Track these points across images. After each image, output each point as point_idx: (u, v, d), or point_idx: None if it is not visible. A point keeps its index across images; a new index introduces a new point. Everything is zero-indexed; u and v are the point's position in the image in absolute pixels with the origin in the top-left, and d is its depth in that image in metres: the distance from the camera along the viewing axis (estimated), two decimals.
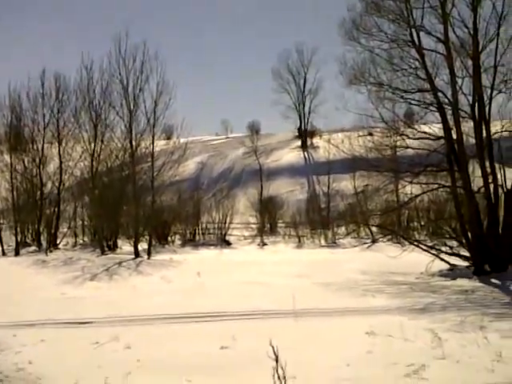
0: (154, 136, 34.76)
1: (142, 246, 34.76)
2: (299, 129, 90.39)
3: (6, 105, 40.98)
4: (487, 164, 23.10)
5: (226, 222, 46.94)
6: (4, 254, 37.99)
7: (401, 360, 9.99)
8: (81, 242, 42.35)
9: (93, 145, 38.86)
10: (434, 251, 24.41)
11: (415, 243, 25.79)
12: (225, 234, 46.54)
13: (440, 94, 23.87)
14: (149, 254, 33.34)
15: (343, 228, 43.04)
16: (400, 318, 13.72)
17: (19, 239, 39.52)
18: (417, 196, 26.37)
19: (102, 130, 38.86)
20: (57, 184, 41.80)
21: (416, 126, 25.14)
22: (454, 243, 24.89)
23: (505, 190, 23.05)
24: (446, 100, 23.75)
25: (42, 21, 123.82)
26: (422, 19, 23.80)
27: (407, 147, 25.06)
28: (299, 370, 9.16)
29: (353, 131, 28.28)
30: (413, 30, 23.86)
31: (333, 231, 44.51)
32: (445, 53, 23.46)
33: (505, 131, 23.29)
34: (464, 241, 24.00)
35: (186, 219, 46.69)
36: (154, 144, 34.87)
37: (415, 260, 23.90)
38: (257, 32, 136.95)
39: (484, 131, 23.20)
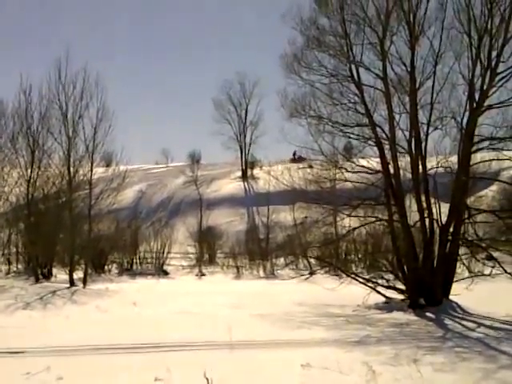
0: (93, 163, 34.23)
1: (78, 274, 34.05)
2: (240, 159, 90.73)
3: None
4: (423, 199, 23.52)
5: (164, 252, 46.55)
6: None
7: None
8: (14, 269, 41.22)
9: (29, 171, 37.97)
10: (370, 284, 24.62)
11: (352, 276, 25.97)
12: (162, 264, 46.11)
13: (378, 129, 24.30)
14: (84, 282, 32.68)
15: (282, 259, 43.14)
16: (336, 351, 13.75)
17: None
18: (354, 229, 26.62)
19: (39, 156, 37.99)
20: None
21: (355, 160, 25.46)
22: (391, 276, 25.15)
23: (440, 224, 23.46)
24: (384, 135, 24.18)
25: None
26: (362, 55, 24.31)
27: (346, 180, 25.35)
28: None
29: (292, 163, 28.47)
30: (352, 65, 24.30)
31: (271, 262, 44.55)
32: (383, 89, 23.93)
33: (440, 167, 23.75)
34: (400, 274, 24.30)
35: (123, 248, 46.11)
36: (93, 171, 34.35)
37: (352, 292, 24.07)
38: (198, 61, 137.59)
39: (420, 166, 23.65)
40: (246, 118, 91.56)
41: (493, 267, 24.46)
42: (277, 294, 27.67)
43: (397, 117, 24.13)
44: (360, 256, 34.39)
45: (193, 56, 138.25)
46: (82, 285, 32.22)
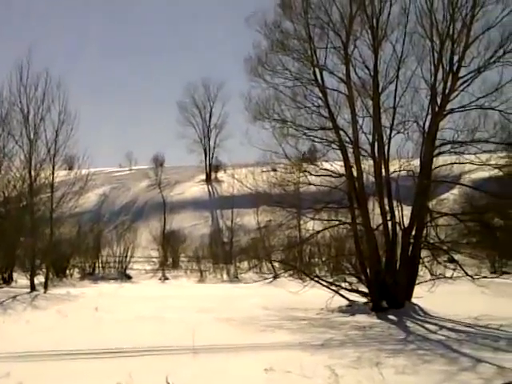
0: (55, 166, 33.88)
1: (39, 279, 33.64)
2: (204, 162, 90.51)
3: None
4: (386, 202, 23.68)
5: (127, 256, 46.19)
6: None
7: None
8: None
9: None
10: (333, 287, 24.68)
11: (316, 279, 25.98)
12: (125, 268, 45.74)
13: (342, 133, 24.40)
14: (45, 287, 32.29)
15: (246, 263, 43.07)
16: (299, 354, 13.73)
17: None
18: (318, 232, 26.66)
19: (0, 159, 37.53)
20: None
21: (318, 163, 25.55)
22: (354, 279, 25.25)
23: (402, 227, 23.63)
24: (348, 138, 24.28)
25: None
26: (326, 59, 24.42)
27: (310, 184, 25.38)
28: None
29: (257, 166, 28.44)
30: (316, 69, 24.37)
31: (235, 266, 44.49)
32: (347, 92, 24.04)
33: (402, 170, 23.95)
34: (363, 277, 24.40)
35: (85, 252, 45.63)
36: (54, 174, 33.99)
37: (316, 296, 24.10)
38: (163, 64, 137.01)
39: (383, 170, 23.81)
40: (210, 121, 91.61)
41: (454, 270, 24.76)
42: (240, 298, 27.61)
43: (360, 120, 24.30)
44: (323, 259, 34.41)
45: (158, 59, 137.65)
46: (43, 289, 31.82)
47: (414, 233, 23.60)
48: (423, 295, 23.38)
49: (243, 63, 25.53)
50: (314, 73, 24.44)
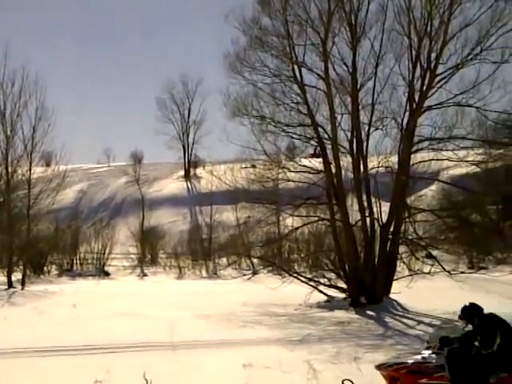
0: (32, 163, 33.72)
1: (16, 276, 33.39)
2: (183, 159, 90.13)
3: None
4: (364, 198, 23.80)
5: (105, 252, 45.98)
6: None
7: None
8: None
9: None
10: (312, 283, 24.76)
11: (295, 275, 26.04)
12: (103, 265, 45.53)
13: (320, 129, 24.49)
14: (23, 284, 32.12)
15: (225, 259, 43.01)
16: (278, 350, 13.77)
17: None
18: (297, 228, 26.74)
19: None
20: None
21: (297, 160, 25.59)
22: (332, 275, 25.36)
23: (380, 223, 23.75)
24: (326, 135, 24.37)
25: None
26: (304, 56, 24.52)
27: (288, 180, 25.44)
28: None
29: (236, 163, 28.45)
30: (295, 66, 24.43)
31: (214, 262, 44.46)
32: (325, 89, 24.11)
33: (381, 167, 24.06)
34: (341, 273, 24.52)
35: (63, 249, 45.41)
36: (32, 171, 33.81)
37: (294, 291, 24.17)
38: (142, 59, 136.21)
39: (361, 166, 23.91)
40: (189, 118, 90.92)
41: (432, 265, 24.93)
42: (220, 294, 27.62)
43: (338, 117, 24.44)
44: (302, 255, 34.51)
45: (137, 54, 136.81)
46: (20, 286, 31.62)
47: (392, 229, 23.74)
48: (401, 291, 23.53)
49: (222, 59, 25.56)
50: (293, 70, 24.51)
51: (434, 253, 25.51)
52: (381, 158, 24.24)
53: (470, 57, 22.45)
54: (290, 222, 27.03)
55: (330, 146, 24.38)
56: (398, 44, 23.65)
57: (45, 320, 19.85)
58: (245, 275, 34.31)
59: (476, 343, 8.52)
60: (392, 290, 23.79)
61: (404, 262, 25.48)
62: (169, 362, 12.79)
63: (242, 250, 32.04)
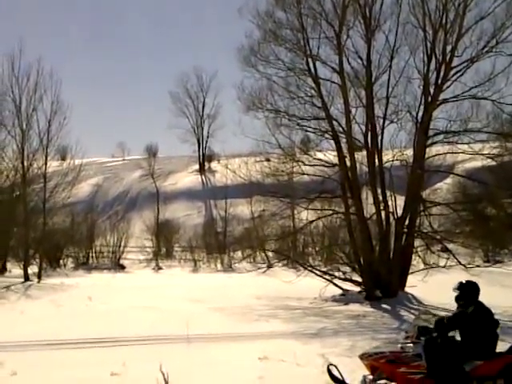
0: (47, 157, 33.89)
1: (33, 269, 33.65)
2: (198, 153, 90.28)
3: None
4: (379, 192, 23.75)
5: (120, 246, 46.22)
6: None
7: None
8: None
9: None
10: (327, 276, 24.77)
11: (309, 268, 26.07)
12: (119, 258, 45.77)
13: (335, 123, 24.44)
14: (39, 277, 32.37)
15: (239, 253, 43.07)
16: (293, 343, 13.80)
17: None
18: (312, 221, 26.73)
19: None
20: None
21: (311, 153, 25.58)
22: (347, 269, 25.36)
23: (395, 217, 23.69)
24: (341, 128, 24.32)
25: None
26: (319, 49, 24.44)
27: (303, 173, 25.43)
28: None
29: (250, 156, 28.46)
30: (309, 59, 24.36)
31: (229, 256, 44.54)
32: (340, 82, 24.05)
33: (396, 160, 23.99)
34: (356, 266, 24.51)
35: (79, 242, 45.69)
36: (47, 165, 34.00)
37: (309, 285, 24.20)
38: (157, 53, 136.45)
39: (376, 160, 23.86)
40: (203, 111, 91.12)
41: (447, 259, 24.85)
42: (234, 288, 27.69)
43: (353, 110, 24.36)
44: (317, 249, 34.49)
45: (151, 48, 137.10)
46: (36, 279, 31.86)
47: (407, 222, 23.70)
48: (416, 284, 23.50)
49: (236, 53, 25.55)
50: (307, 63, 24.44)
51: (450, 246, 25.38)
52: (396, 151, 24.16)
53: (485, 49, 22.33)
54: (304, 215, 27.00)
55: (344, 140, 24.35)
56: (412, 37, 23.58)
57: (61, 313, 20.01)
58: (259, 268, 34.39)
59: (451, 333, 9.04)
60: (407, 284, 23.77)
61: (419, 256, 25.40)
62: (184, 355, 12.85)
63: (256, 243, 32.07)
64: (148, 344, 14.24)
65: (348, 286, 24.40)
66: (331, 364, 9.68)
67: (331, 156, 25.02)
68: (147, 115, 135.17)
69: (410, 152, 23.96)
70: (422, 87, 23.59)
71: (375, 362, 9.15)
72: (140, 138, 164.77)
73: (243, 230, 44.95)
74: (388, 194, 23.98)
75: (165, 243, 53.61)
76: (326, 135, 24.94)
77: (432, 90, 23.29)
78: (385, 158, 24.00)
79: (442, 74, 23.01)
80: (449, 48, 22.83)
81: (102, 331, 15.62)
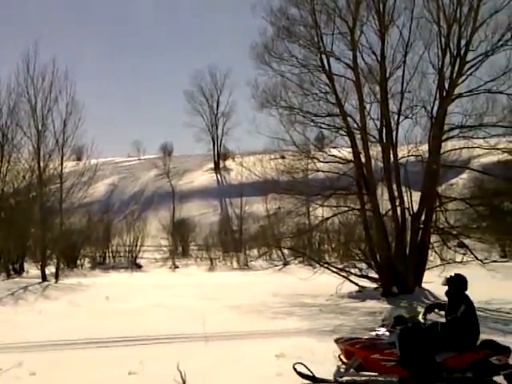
0: (63, 157, 34.05)
1: (50, 269, 33.82)
2: (213, 151, 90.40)
3: None
4: (394, 187, 23.67)
5: (137, 245, 46.43)
6: None
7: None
8: None
9: None
10: (343, 273, 24.73)
11: (326, 265, 26.05)
12: (136, 257, 45.96)
13: (349, 119, 24.37)
14: (56, 277, 32.50)
15: (255, 250, 43.13)
16: (310, 341, 13.75)
17: None
18: (327, 218, 26.67)
19: (8, 150, 37.61)
20: None
21: (326, 150, 25.52)
22: (364, 265, 25.30)
23: (411, 213, 23.59)
24: (355, 125, 24.25)
25: None
26: (332, 45, 24.41)
27: (318, 170, 25.41)
28: None
29: (265, 154, 28.44)
30: (323, 55, 24.32)
31: (245, 254, 44.60)
32: (354, 78, 23.98)
33: (411, 155, 23.90)
34: (373, 263, 24.45)
35: (95, 242, 45.90)
36: (63, 165, 34.16)
37: (325, 282, 24.15)
38: (171, 52, 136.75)
39: (391, 155, 23.76)
40: (217, 110, 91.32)
41: (464, 254, 24.72)
42: (251, 285, 27.69)
43: (367, 106, 24.32)
44: (333, 246, 34.46)
45: (166, 47, 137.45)
46: (54, 280, 32.00)
47: (423, 218, 23.58)
48: (433, 280, 23.34)
49: (250, 50, 25.54)
50: (321, 59, 24.41)
51: (466, 242, 25.24)
52: (411, 146, 24.07)
53: (500, 43, 22.16)
54: (320, 212, 26.97)
55: (359, 136, 24.27)
56: (426, 31, 23.47)
57: (79, 313, 20.09)
58: (276, 266, 34.40)
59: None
60: (424, 280, 23.65)
61: (436, 252, 25.28)
62: (201, 353, 12.86)
63: (272, 241, 32.08)
64: (165, 342, 14.26)
65: (364, 282, 24.34)
66: (297, 363, 9.97)
67: (346, 152, 24.98)
68: (162, 114, 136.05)
69: (425, 147, 23.84)
70: (436, 82, 23.47)
71: (350, 347, 9.51)
72: (155, 137, 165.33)
73: (259, 228, 44.93)
74: (403, 189, 23.89)
75: (181, 242, 53.76)
76: (341, 131, 24.89)
77: (447, 85, 23.15)
78: (400, 154, 23.90)
79: (456, 68, 22.86)
80: (463, 42, 22.70)
81: (120, 330, 15.67)
